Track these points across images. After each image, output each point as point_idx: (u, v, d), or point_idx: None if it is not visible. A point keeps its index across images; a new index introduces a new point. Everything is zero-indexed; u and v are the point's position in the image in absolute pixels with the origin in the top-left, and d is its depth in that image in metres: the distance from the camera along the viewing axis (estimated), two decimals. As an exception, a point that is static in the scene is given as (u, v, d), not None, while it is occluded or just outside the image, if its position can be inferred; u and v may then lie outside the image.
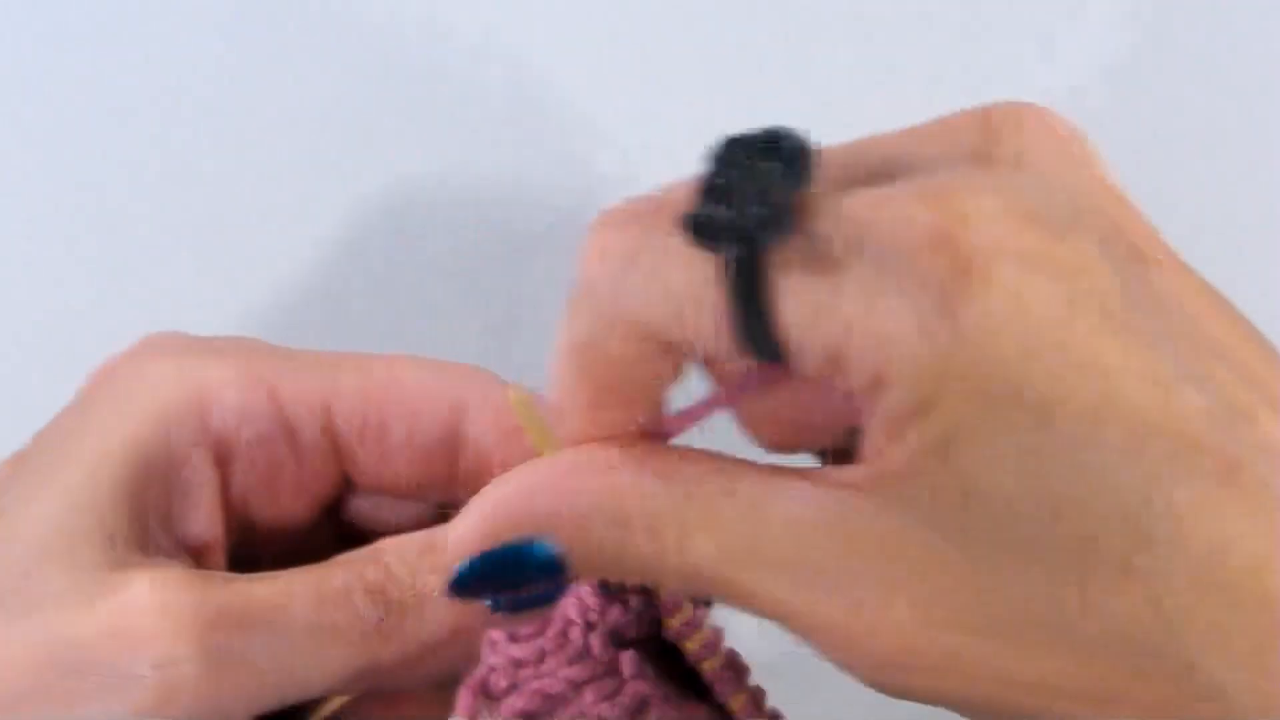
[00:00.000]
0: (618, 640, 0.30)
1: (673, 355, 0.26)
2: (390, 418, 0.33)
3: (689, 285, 0.25)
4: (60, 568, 0.29)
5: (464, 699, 0.29)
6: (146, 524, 0.31)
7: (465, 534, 0.27)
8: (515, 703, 0.29)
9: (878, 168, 0.27)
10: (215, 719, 0.30)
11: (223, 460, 0.32)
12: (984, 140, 0.28)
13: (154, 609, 0.29)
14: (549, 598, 0.28)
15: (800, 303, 0.24)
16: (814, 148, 0.25)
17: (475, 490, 0.28)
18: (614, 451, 0.26)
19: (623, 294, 0.25)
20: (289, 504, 0.34)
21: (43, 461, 0.32)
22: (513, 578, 0.27)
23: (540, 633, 0.30)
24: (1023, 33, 0.54)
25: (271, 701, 0.30)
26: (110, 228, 0.53)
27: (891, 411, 0.23)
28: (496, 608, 0.28)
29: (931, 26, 0.54)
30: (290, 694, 0.31)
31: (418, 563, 0.31)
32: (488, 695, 0.30)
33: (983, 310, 0.23)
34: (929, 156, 0.27)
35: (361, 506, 0.35)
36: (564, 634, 0.30)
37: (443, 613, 0.31)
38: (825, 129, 0.26)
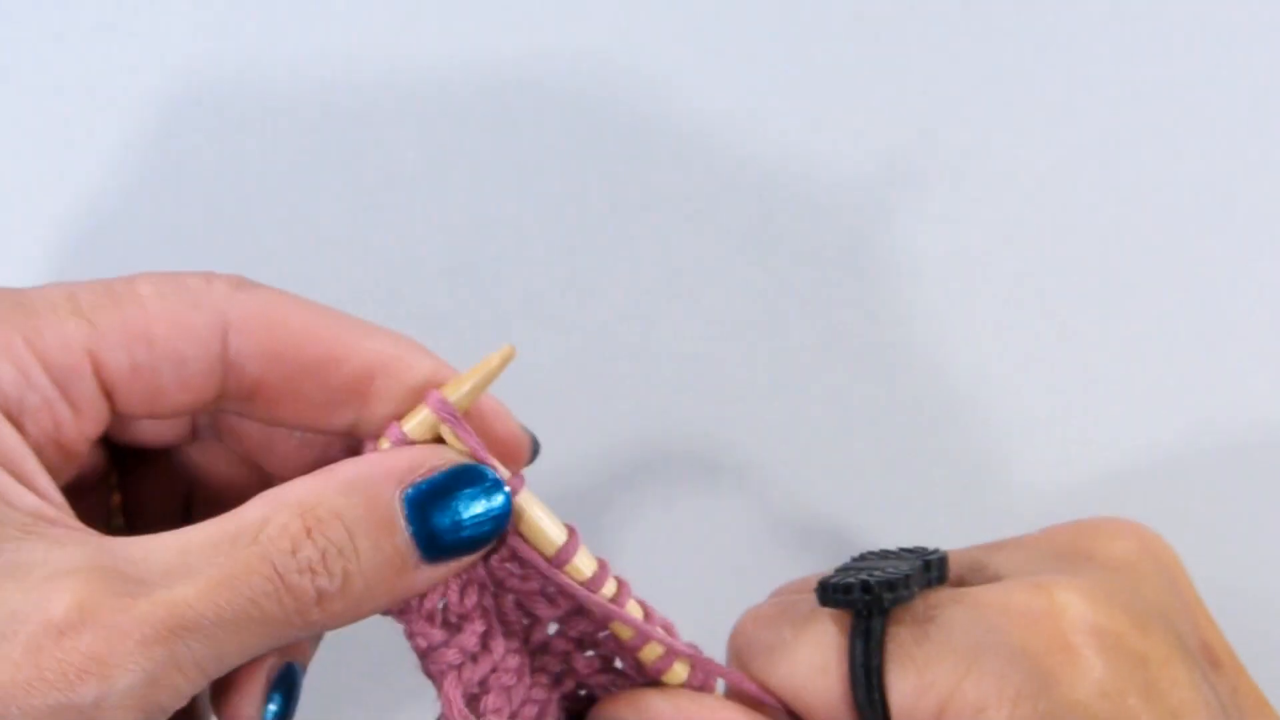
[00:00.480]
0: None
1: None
2: (158, 357, 0.34)
3: (815, 669, 0.35)
4: None
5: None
6: None
7: None
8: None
9: (988, 569, 0.37)
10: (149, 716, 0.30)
11: (18, 427, 0.33)
12: (1085, 545, 0.36)
13: (85, 629, 0.29)
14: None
15: (907, 673, 0.33)
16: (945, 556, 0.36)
17: (243, 403, 0.34)
18: None
19: (765, 658, 0.36)
20: (81, 451, 0.34)
21: None
22: None
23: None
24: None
25: (199, 688, 0.31)
26: (103, 227, 0.53)
27: None
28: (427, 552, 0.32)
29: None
30: (215, 676, 0.31)
31: (356, 517, 0.32)
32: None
33: (1071, 684, 0.31)
34: (1031, 559, 0.36)
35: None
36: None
37: (381, 569, 0.32)
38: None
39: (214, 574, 0.30)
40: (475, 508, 0.33)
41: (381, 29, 0.53)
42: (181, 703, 0.30)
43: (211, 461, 0.39)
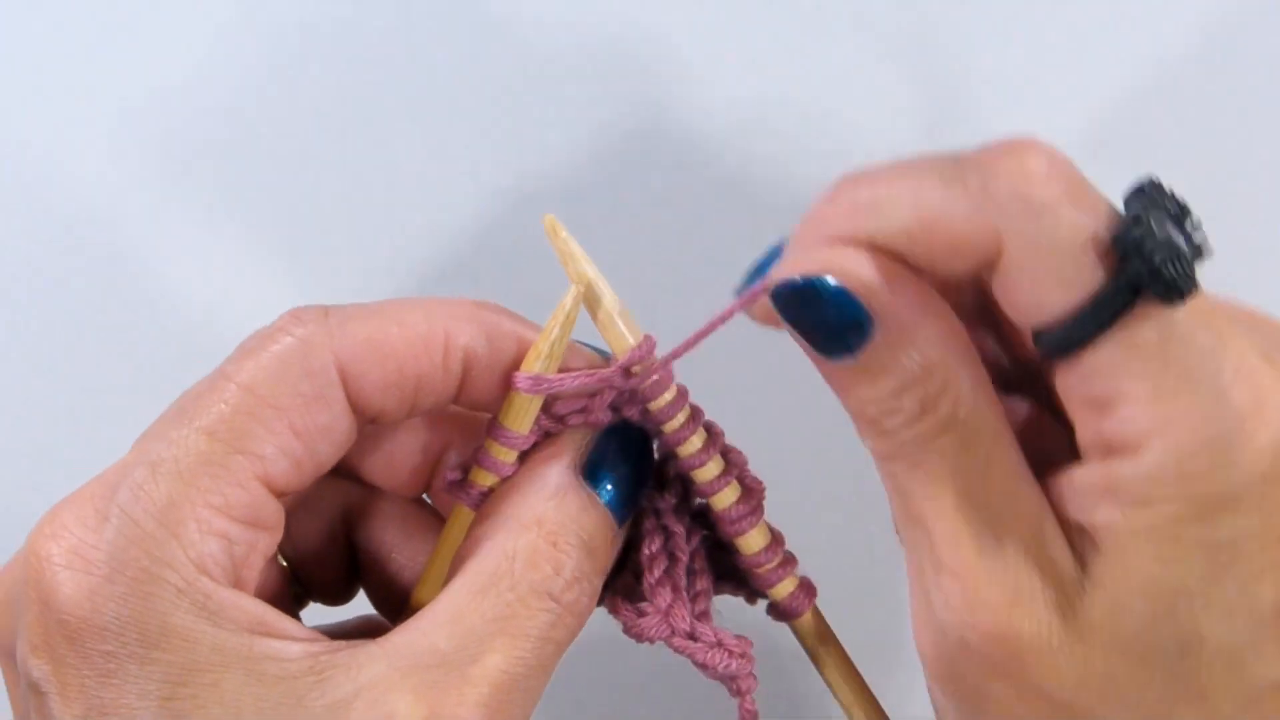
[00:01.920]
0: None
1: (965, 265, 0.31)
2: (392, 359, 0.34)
3: (1076, 267, 0.29)
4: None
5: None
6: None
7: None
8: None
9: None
10: None
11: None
12: None
13: None
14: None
15: (1123, 346, 0.29)
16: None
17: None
18: None
19: (1047, 209, 0.29)
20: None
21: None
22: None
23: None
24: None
25: None
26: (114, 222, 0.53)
27: (1119, 476, 0.30)
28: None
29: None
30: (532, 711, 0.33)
31: (571, 515, 0.34)
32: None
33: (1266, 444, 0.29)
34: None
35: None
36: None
37: (603, 550, 0.34)
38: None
39: (504, 629, 0.32)
40: (632, 473, 0.35)
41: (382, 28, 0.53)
42: None
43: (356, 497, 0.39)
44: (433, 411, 0.36)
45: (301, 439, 0.33)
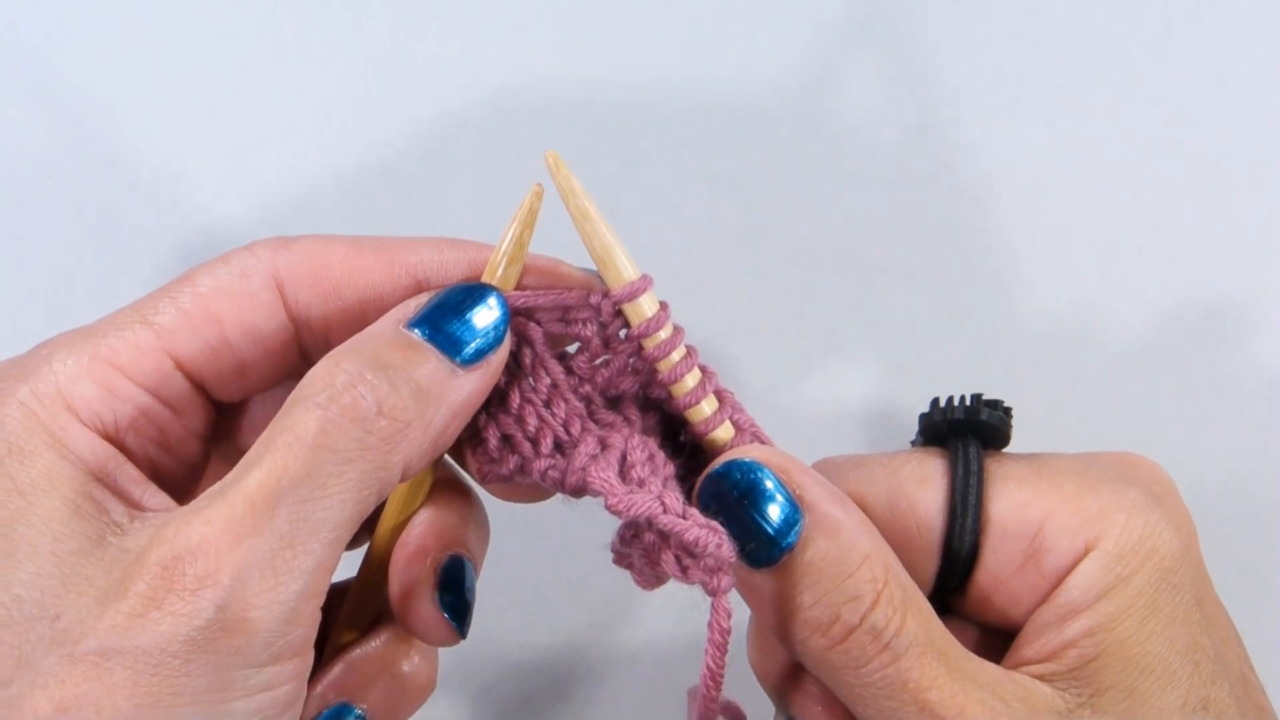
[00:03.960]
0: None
1: None
2: (228, 332, 0.36)
3: (916, 479, 0.37)
4: None
5: None
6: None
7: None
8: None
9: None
10: None
11: (118, 445, 0.35)
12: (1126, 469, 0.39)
13: (178, 562, 0.30)
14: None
15: (1009, 487, 0.36)
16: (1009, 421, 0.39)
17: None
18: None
19: (862, 470, 0.37)
20: (195, 451, 0.37)
21: None
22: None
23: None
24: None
25: (334, 553, 0.33)
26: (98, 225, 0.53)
27: (1077, 588, 0.35)
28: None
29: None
30: (340, 537, 0.33)
31: (375, 348, 0.34)
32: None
33: (1176, 508, 0.37)
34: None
35: None
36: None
37: (427, 379, 0.34)
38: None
39: (274, 443, 0.32)
40: (474, 315, 0.35)
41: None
42: (311, 590, 0.31)
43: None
44: None
45: (222, 328, 0.34)
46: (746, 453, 0.36)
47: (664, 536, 0.35)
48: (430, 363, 0.34)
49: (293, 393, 0.33)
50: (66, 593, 0.30)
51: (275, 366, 0.36)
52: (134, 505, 0.33)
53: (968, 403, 0.37)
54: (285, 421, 0.32)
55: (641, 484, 0.35)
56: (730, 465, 0.35)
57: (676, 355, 0.37)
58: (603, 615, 0.52)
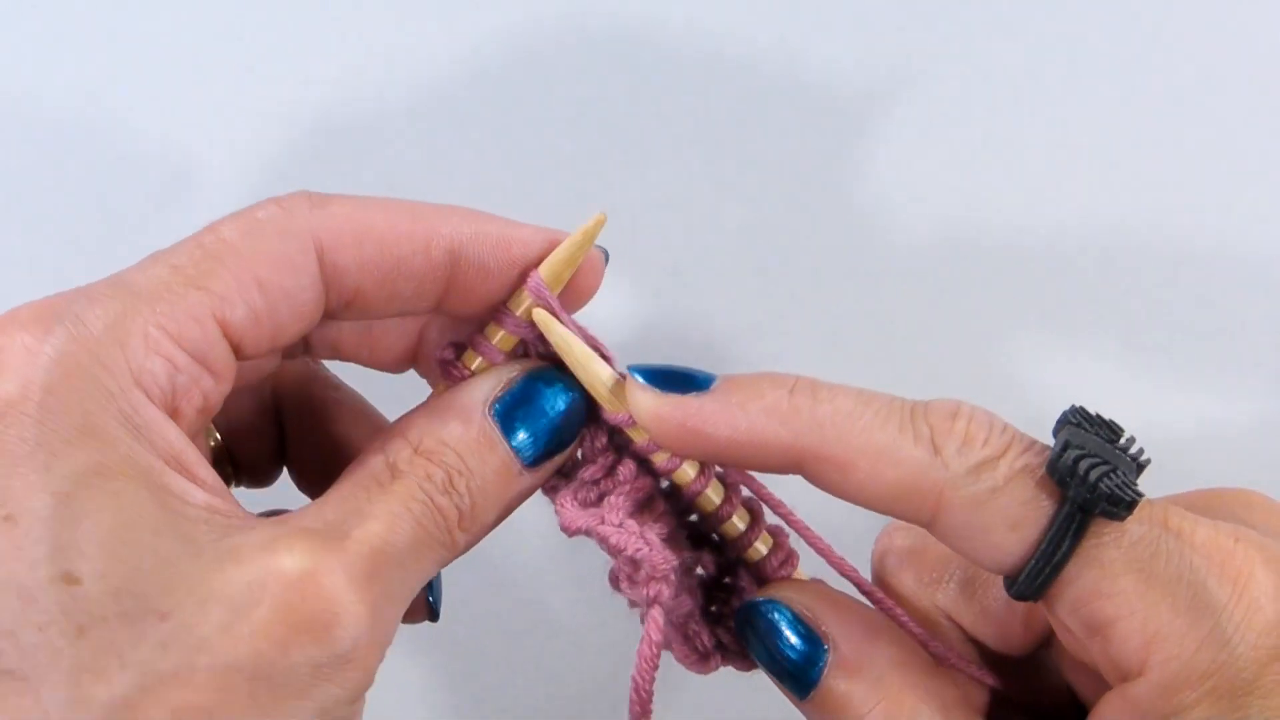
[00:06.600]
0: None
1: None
2: (271, 298, 0.35)
3: (1022, 506, 0.33)
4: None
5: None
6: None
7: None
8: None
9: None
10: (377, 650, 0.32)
11: (175, 417, 0.34)
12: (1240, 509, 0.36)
13: (321, 578, 0.31)
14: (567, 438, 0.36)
15: (1090, 571, 0.32)
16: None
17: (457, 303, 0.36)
18: None
19: (968, 485, 0.33)
20: (215, 411, 0.36)
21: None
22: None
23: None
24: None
25: (399, 621, 0.34)
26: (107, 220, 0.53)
27: (1139, 698, 0.32)
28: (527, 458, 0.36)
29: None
30: (406, 606, 0.34)
31: (459, 440, 0.35)
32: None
33: (1250, 643, 0.31)
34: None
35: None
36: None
37: (493, 482, 0.35)
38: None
39: (384, 509, 0.33)
40: (557, 404, 0.36)
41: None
42: (391, 640, 0.32)
43: (291, 380, 0.40)
44: (417, 307, 0.37)
45: (265, 294, 0.34)
46: (769, 592, 0.37)
47: (615, 552, 0.35)
48: (500, 462, 0.35)
49: (388, 449, 0.34)
50: (170, 592, 0.29)
51: (301, 330, 0.35)
52: (204, 488, 0.32)
53: (1097, 460, 0.32)
54: (395, 488, 0.33)
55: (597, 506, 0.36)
56: (750, 606, 0.37)
57: (691, 470, 0.37)
58: (604, 614, 0.52)
